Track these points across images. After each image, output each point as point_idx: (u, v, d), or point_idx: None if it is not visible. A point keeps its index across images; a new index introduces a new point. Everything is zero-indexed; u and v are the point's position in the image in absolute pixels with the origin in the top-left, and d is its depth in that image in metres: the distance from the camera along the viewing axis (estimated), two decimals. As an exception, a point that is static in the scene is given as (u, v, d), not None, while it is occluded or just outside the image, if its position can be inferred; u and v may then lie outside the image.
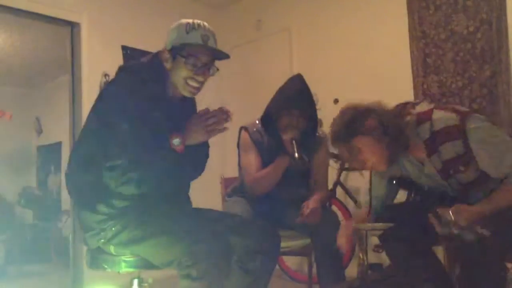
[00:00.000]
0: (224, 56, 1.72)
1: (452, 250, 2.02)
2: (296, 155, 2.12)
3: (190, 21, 1.68)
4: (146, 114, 1.58)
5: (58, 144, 6.09)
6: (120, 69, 1.72)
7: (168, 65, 1.68)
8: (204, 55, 1.68)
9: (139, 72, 1.68)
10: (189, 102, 1.86)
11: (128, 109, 1.56)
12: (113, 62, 3.94)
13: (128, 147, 1.53)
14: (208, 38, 1.67)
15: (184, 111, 1.78)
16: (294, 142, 2.14)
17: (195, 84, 1.69)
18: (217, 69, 1.74)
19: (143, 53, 3.88)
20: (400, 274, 1.84)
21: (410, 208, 1.87)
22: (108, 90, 1.68)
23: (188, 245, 1.52)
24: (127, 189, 1.57)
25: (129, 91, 1.59)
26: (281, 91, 2.29)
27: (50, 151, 6.46)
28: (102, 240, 1.63)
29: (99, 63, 3.69)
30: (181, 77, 1.67)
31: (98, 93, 1.70)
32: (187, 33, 1.65)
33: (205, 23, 1.71)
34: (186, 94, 1.73)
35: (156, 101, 1.65)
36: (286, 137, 2.17)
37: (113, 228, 1.61)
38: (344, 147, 1.79)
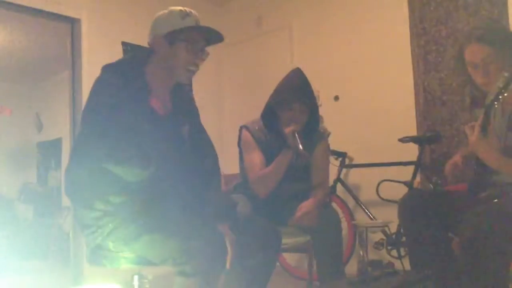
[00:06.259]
0: (219, 38, 1.73)
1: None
2: (300, 147, 2.08)
3: (181, 8, 1.70)
4: (132, 114, 1.58)
5: (58, 140, 6.09)
6: (103, 69, 1.71)
7: (164, 52, 1.68)
8: (199, 39, 1.70)
9: (122, 70, 1.68)
10: (182, 89, 1.85)
11: (113, 111, 1.56)
12: (113, 58, 3.89)
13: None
14: (200, 23, 1.70)
15: (177, 100, 1.79)
16: (296, 135, 2.12)
17: (195, 69, 1.71)
18: (208, 53, 1.75)
19: (144, 49, 3.87)
20: None
21: None
22: (92, 92, 1.68)
23: (182, 241, 1.51)
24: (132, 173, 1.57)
25: (113, 91, 1.60)
26: (281, 85, 2.28)
27: (51, 147, 6.46)
28: (100, 238, 1.62)
29: (99, 59, 3.63)
30: (181, 62, 1.68)
31: (88, 100, 1.71)
32: (183, 19, 1.67)
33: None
34: (184, 80, 1.74)
35: (143, 97, 1.64)
36: (288, 130, 2.14)
37: (109, 225, 1.60)
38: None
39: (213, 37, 1.72)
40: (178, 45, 1.67)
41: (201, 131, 1.90)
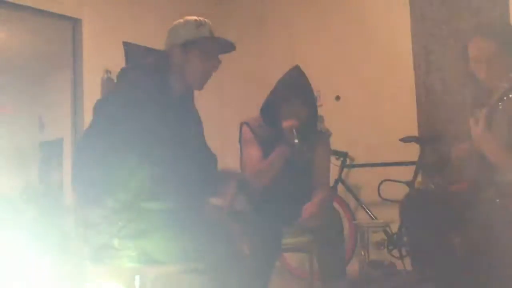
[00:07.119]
0: (231, 48, 1.80)
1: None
2: (296, 141, 2.11)
3: (196, 18, 1.76)
4: (153, 120, 1.61)
5: (60, 140, 6.10)
6: (123, 73, 1.75)
7: (180, 60, 1.73)
8: (213, 49, 1.77)
9: (143, 76, 1.72)
10: (189, 96, 1.90)
11: (134, 119, 1.58)
12: (114, 59, 3.95)
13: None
14: (213, 32, 1.77)
15: (185, 106, 1.83)
16: (294, 130, 2.14)
17: (209, 77, 1.78)
18: (220, 61, 1.82)
19: (145, 49, 3.89)
20: None
21: None
22: (112, 98, 1.72)
23: (195, 238, 1.53)
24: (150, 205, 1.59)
25: (135, 99, 1.63)
26: (280, 82, 2.32)
27: (52, 147, 6.47)
28: (107, 236, 1.63)
29: (100, 59, 3.68)
30: (198, 71, 1.75)
31: (102, 98, 1.72)
32: (197, 28, 1.73)
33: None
34: (198, 88, 1.80)
35: (163, 105, 1.68)
36: (286, 125, 2.16)
37: (119, 222, 1.61)
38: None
39: (225, 46, 1.79)
40: (194, 54, 1.73)
41: (202, 137, 1.95)
